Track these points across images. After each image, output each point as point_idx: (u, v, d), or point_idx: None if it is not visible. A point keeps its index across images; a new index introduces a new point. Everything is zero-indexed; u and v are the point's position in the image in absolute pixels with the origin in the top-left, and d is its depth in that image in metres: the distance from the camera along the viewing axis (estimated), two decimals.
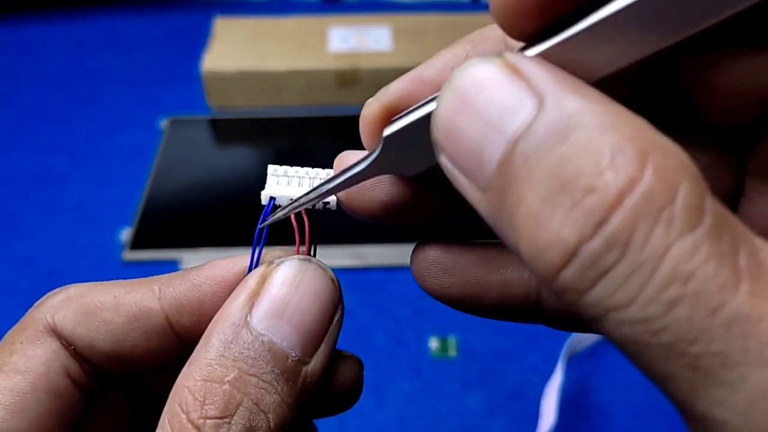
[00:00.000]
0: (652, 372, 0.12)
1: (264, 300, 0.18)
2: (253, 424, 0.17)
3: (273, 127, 0.79)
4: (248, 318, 0.18)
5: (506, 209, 0.13)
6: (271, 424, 0.17)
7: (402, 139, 0.17)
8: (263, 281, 0.19)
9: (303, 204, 0.20)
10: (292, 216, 0.21)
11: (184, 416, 0.17)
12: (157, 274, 0.22)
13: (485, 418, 0.51)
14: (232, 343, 0.18)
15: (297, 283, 0.19)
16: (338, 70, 0.79)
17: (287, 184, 0.21)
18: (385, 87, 0.18)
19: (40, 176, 0.73)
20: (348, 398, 0.23)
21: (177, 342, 0.21)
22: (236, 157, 0.77)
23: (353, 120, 0.19)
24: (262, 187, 0.22)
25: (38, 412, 0.20)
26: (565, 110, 0.12)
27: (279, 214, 0.21)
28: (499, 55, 0.14)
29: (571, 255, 0.12)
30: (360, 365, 0.23)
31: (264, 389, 0.17)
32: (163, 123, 0.78)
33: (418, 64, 0.19)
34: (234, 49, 0.81)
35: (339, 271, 0.20)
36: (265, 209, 0.21)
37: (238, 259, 0.21)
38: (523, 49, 0.15)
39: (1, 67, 0.89)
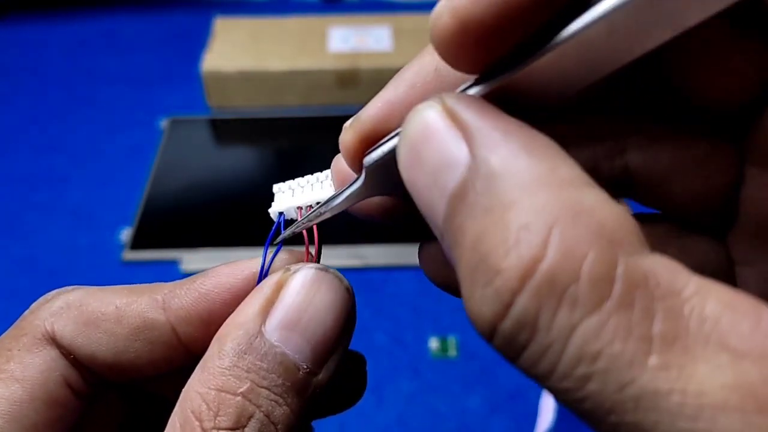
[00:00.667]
0: (590, 426, 0.12)
1: (279, 309, 0.18)
2: None
3: (273, 127, 0.79)
4: (262, 327, 0.18)
5: (453, 261, 0.13)
6: None
7: (380, 169, 0.17)
8: (279, 289, 0.19)
9: (305, 225, 0.21)
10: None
11: (197, 424, 0.17)
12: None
13: (485, 418, 0.51)
14: (245, 353, 0.18)
15: (313, 293, 0.19)
16: (338, 70, 0.79)
17: (292, 195, 0.22)
18: (358, 113, 0.18)
19: (40, 176, 0.73)
20: (350, 397, 0.23)
21: (183, 351, 0.21)
22: (236, 157, 0.77)
23: None
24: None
25: (35, 420, 0.20)
26: (489, 167, 0.12)
27: (286, 233, 0.21)
28: (440, 97, 0.14)
29: (493, 329, 0.12)
30: (363, 363, 0.23)
31: (275, 401, 0.17)
32: (163, 123, 0.78)
33: None
34: (234, 49, 0.81)
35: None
36: (276, 223, 0.22)
37: (241, 264, 0.21)
38: (475, 83, 0.15)
39: (1, 67, 0.89)
